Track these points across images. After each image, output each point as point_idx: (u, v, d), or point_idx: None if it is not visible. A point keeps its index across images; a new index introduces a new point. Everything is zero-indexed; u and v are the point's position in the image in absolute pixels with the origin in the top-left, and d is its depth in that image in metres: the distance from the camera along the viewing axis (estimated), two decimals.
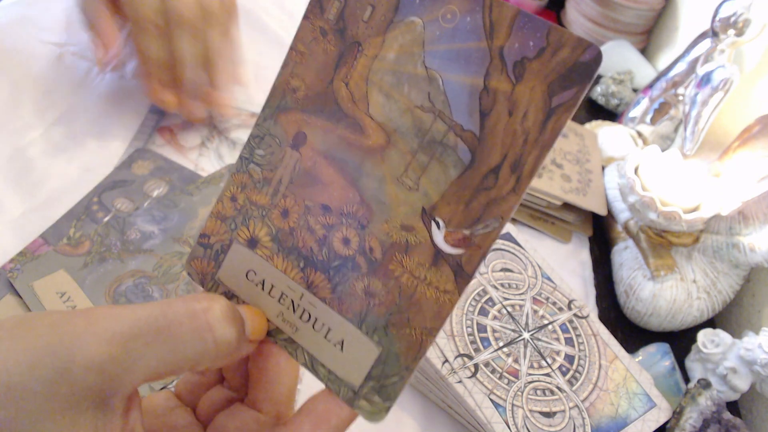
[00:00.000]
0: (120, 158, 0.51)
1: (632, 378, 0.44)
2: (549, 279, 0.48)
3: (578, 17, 0.91)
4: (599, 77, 0.86)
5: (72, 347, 0.19)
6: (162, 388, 0.38)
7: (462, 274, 0.22)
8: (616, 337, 0.47)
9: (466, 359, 0.40)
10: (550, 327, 0.45)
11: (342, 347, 0.24)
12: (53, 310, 0.20)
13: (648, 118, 0.72)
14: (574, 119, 0.77)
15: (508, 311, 0.44)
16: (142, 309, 0.21)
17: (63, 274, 0.42)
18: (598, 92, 0.82)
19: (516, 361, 0.42)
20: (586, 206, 0.59)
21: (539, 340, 0.44)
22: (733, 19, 0.59)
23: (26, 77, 0.54)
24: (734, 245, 0.51)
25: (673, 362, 0.49)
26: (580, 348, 0.44)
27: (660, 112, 0.71)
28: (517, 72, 0.20)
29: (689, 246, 0.52)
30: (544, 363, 0.42)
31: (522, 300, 0.46)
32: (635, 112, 0.74)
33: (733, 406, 0.51)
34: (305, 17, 0.24)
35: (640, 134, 0.71)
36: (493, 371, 0.40)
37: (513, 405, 0.39)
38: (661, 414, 0.43)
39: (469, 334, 0.42)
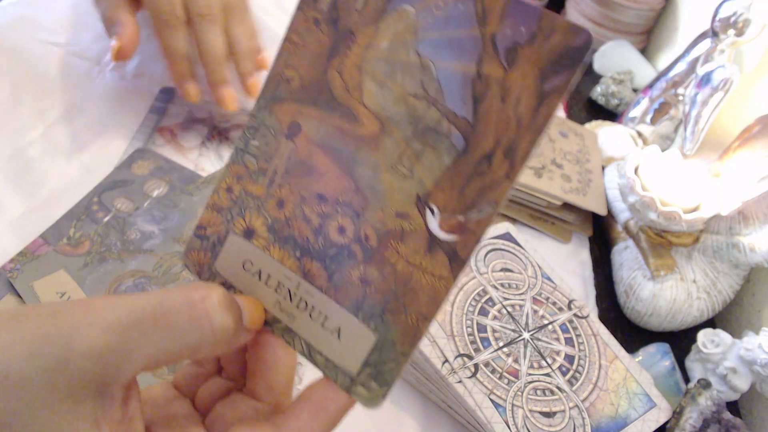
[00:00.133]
0: (120, 158, 0.51)
1: (632, 378, 0.44)
2: (549, 279, 0.48)
3: (578, 17, 0.91)
4: (599, 77, 0.86)
5: (70, 336, 0.19)
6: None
7: (457, 260, 0.22)
8: (616, 337, 0.47)
9: (466, 359, 0.40)
10: (550, 327, 0.45)
11: (339, 335, 0.24)
12: (51, 302, 0.20)
13: (648, 118, 0.72)
14: (575, 119, 0.77)
15: (508, 311, 0.44)
16: (139, 298, 0.21)
17: (63, 274, 0.42)
18: (598, 92, 0.82)
19: (516, 361, 0.42)
20: (586, 206, 0.59)
21: (539, 340, 0.44)
22: (733, 19, 0.59)
23: (26, 77, 0.54)
24: (734, 245, 0.51)
25: (673, 362, 0.49)
26: (580, 348, 0.44)
27: (660, 112, 0.71)
28: (509, 58, 0.21)
29: (689, 246, 0.52)
30: (544, 363, 0.42)
31: (522, 300, 0.46)
32: (635, 112, 0.74)
33: (733, 406, 0.51)
34: (298, 8, 0.24)
35: (640, 134, 0.71)
36: (493, 371, 0.40)
37: (513, 405, 0.39)
38: (661, 414, 0.43)
39: (469, 334, 0.42)
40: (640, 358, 0.49)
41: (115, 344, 0.20)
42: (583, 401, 0.41)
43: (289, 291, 0.25)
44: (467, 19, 0.21)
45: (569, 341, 0.44)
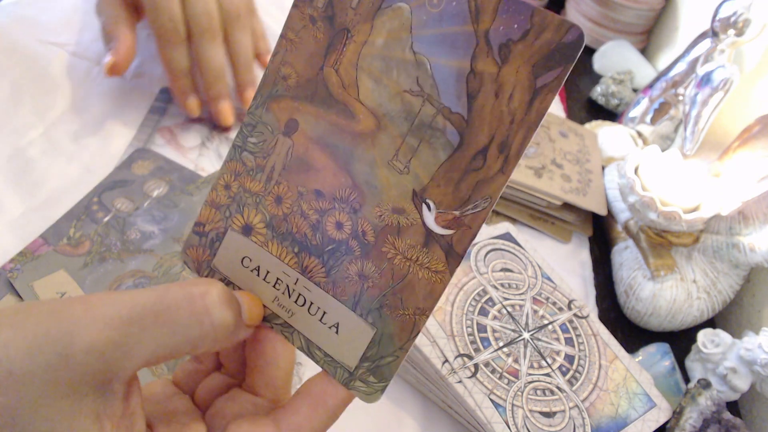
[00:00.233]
0: (120, 158, 0.51)
1: (632, 378, 0.44)
2: (549, 279, 0.48)
3: (578, 17, 0.91)
4: (599, 77, 0.86)
5: (71, 332, 0.19)
6: None
7: (453, 255, 0.22)
8: (616, 337, 0.47)
9: (466, 359, 0.40)
10: (550, 327, 0.45)
11: (337, 330, 0.24)
12: (52, 299, 0.20)
13: (648, 118, 0.72)
14: (575, 119, 0.77)
15: (508, 311, 0.44)
16: (140, 294, 0.21)
17: (63, 274, 0.42)
18: (598, 92, 0.82)
19: (516, 361, 0.42)
20: (586, 206, 0.59)
21: (539, 340, 0.44)
22: (733, 19, 0.59)
23: (26, 77, 0.54)
24: (734, 245, 0.51)
25: (673, 362, 0.49)
26: (580, 348, 0.44)
27: (660, 112, 0.71)
28: (503, 54, 0.21)
29: (689, 246, 0.52)
30: (544, 363, 0.42)
31: (522, 300, 0.46)
32: (635, 112, 0.74)
33: (733, 406, 0.51)
34: (294, 5, 0.25)
35: (640, 134, 0.71)
36: (493, 371, 0.40)
37: (513, 405, 0.39)
38: (661, 414, 0.43)
39: (469, 334, 0.42)
40: (640, 358, 0.49)
41: (116, 340, 0.20)
42: (583, 401, 0.41)
43: (288, 287, 0.25)
44: (461, 16, 0.21)
45: (569, 341, 0.44)
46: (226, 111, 0.54)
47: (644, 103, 0.73)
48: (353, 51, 0.23)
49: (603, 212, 0.59)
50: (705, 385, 0.44)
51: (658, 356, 0.49)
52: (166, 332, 0.21)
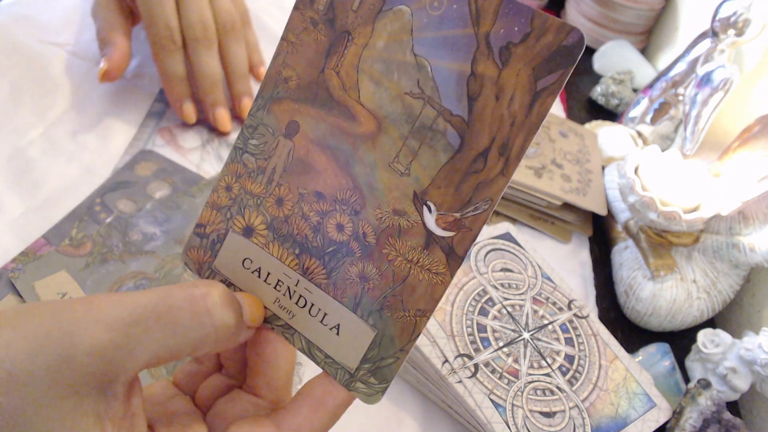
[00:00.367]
0: (120, 158, 0.51)
1: (632, 378, 0.44)
2: (549, 279, 0.48)
3: (578, 17, 0.91)
4: (599, 77, 0.86)
5: (73, 333, 0.19)
6: None
7: (453, 256, 0.22)
8: (616, 337, 0.47)
9: (466, 359, 0.40)
10: (550, 327, 0.45)
11: (338, 331, 0.24)
12: (53, 300, 0.20)
13: (648, 118, 0.72)
14: (575, 119, 0.77)
15: (508, 311, 0.44)
16: (141, 295, 0.21)
17: (64, 275, 0.42)
18: (598, 92, 0.82)
19: (516, 361, 0.42)
20: (586, 206, 0.59)
21: (539, 340, 0.44)
22: (733, 19, 0.59)
23: (26, 77, 0.54)
24: (734, 245, 0.51)
25: (673, 362, 0.49)
26: (580, 348, 0.44)
27: (660, 112, 0.71)
28: (503, 57, 0.21)
29: (689, 246, 0.52)
30: (544, 363, 0.42)
31: (522, 300, 0.46)
32: (635, 112, 0.74)
33: (733, 406, 0.51)
34: (295, 8, 0.25)
35: (640, 134, 0.71)
36: (493, 371, 0.40)
37: (513, 405, 0.39)
38: (661, 414, 0.43)
39: (469, 334, 0.42)
40: (640, 358, 0.49)
41: (118, 341, 0.20)
42: (583, 401, 0.41)
43: (289, 288, 0.25)
44: (462, 18, 0.21)
45: (569, 341, 0.44)
46: (224, 117, 0.54)
47: (644, 103, 0.73)
48: (354, 53, 0.23)
49: (603, 212, 0.59)
50: (705, 385, 0.44)
51: (658, 356, 0.49)
52: (167, 333, 0.21)
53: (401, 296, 0.23)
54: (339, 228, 0.24)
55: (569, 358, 0.43)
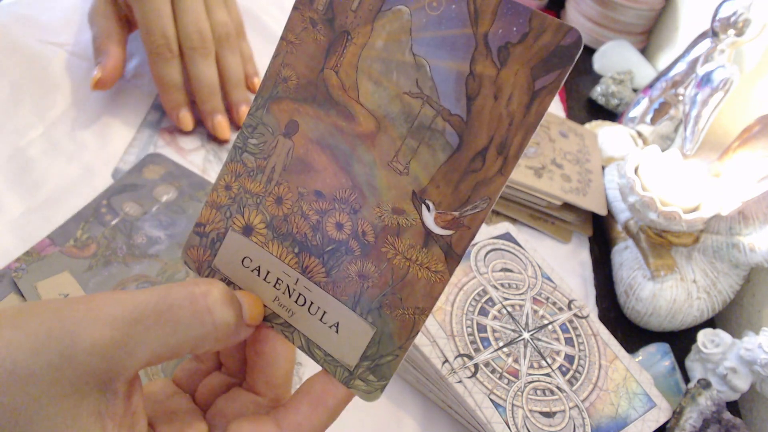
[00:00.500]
0: (120, 158, 0.51)
1: (632, 378, 0.44)
2: (549, 279, 0.48)
3: (578, 17, 0.91)
4: (599, 77, 0.86)
5: (74, 332, 0.19)
6: None
7: (452, 255, 0.23)
8: (616, 337, 0.47)
9: (466, 359, 0.40)
10: (550, 327, 0.45)
11: (337, 329, 0.25)
12: (54, 298, 0.20)
13: (648, 118, 0.72)
14: (575, 119, 0.77)
15: (508, 311, 0.44)
16: (142, 294, 0.21)
17: (67, 276, 0.42)
18: (598, 92, 0.82)
19: (516, 361, 0.42)
20: (586, 206, 0.59)
21: (539, 340, 0.44)
22: (733, 19, 0.59)
23: (26, 77, 0.54)
24: (734, 245, 0.51)
25: (673, 362, 0.49)
26: (580, 348, 0.44)
27: (660, 112, 0.71)
28: (502, 57, 0.21)
29: (689, 246, 0.52)
30: (544, 363, 0.42)
31: (522, 300, 0.46)
32: (635, 112, 0.74)
33: (733, 406, 0.51)
34: (295, 8, 0.25)
35: (640, 134, 0.71)
36: (493, 371, 0.40)
37: (513, 405, 0.39)
38: (661, 414, 0.43)
39: (469, 334, 0.42)
40: (640, 358, 0.49)
41: (119, 339, 0.20)
42: (583, 401, 0.41)
43: (288, 286, 0.25)
44: (460, 18, 0.22)
45: (569, 341, 0.44)
46: (223, 125, 0.54)
47: (644, 103, 0.73)
48: (353, 53, 0.23)
49: (603, 212, 0.59)
50: (705, 385, 0.44)
51: (658, 356, 0.49)
52: (168, 332, 0.21)
53: (400, 294, 0.23)
54: (338, 227, 0.24)
55: (569, 358, 0.43)
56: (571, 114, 0.79)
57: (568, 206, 0.60)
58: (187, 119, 0.54)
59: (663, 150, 0.57)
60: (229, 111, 0.56)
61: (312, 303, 0.25)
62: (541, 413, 0.39)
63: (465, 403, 0.39)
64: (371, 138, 0.23)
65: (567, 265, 0.58)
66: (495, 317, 0.44)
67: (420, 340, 0.40)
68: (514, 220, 0.60)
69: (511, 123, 0.21)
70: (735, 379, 0.47)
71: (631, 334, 0.55)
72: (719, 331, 0.49)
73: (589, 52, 0.90)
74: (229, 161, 0.26)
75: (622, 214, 0.57)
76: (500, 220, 0.58)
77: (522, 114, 0.21)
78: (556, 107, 0.78)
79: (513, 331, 0.43)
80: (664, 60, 0.87)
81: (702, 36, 0.67)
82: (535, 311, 0.45)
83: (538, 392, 0.40)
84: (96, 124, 0.53)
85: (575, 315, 0.46)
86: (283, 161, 0.25)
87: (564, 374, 0.42)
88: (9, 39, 0.55)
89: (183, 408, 0.26)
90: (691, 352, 0.52)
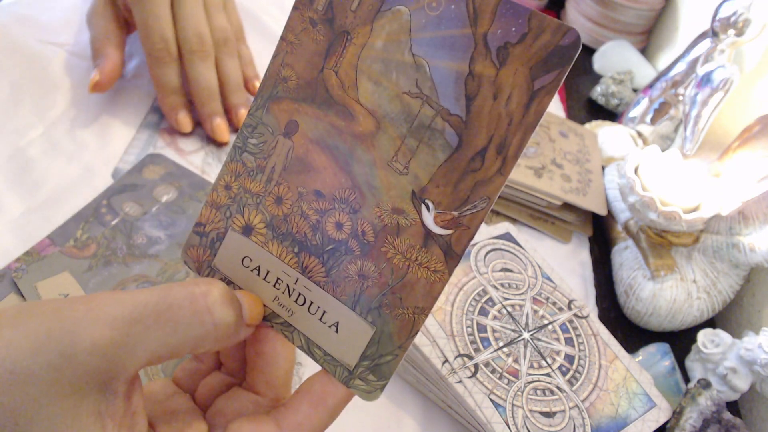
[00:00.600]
0: (120, 158, 0.51)
1: (632, 378, 0.44)
2: (549, 279, 0.48)
3: (578, 17, 0.91)
4: (599, 77, 0.86)
5: (74, 332, 0.19)
6: None
7: (451, 254, 0.23)
8: (616, 337, 0.47)
9: (466, 359, 0.40)
10: (550, 327, 0.45)
11: (337, 329, 0.25)
12: (54, 298, 0.20)
13: (648, 118, 0.72)
14: (575, 119, 0.77)
15: (508, 311, 0.44)
16: (142, 294, 0.21)
17: (67, 276, 0.42)
18: (598, 92, 0.82)
19: (516, 361, 0.42)
20: (586, 206, 0.59)
21: (539, 340, 0.44)
22: (733, 19, 0.59)
23: (26, 77, 0.54)
24: (734, 245, 0.51)
25: (673, 362, 0.49)
26: (580, 348, 0.44)
27: (660, 112, 0.71)
28: (501, 57, 0.21)
29: (689, 246, 0.52)
30: (544, 363, 0.42)
31: (522, 300, 0.46)
32: (635, 112, 0.74)
33: (733, 406, 0.51)
34: (295, 8, 0.25)
35: (640, 134, 0.71)
36: (493, 371, 0.40)
37: (513, 405, 0.39)
38: (661, 414, 0.43)
39: (469, 334, 0.42)
40: (640, 358, 0.49)
41: (119, 339, 0.20)
42: (583, 401, 0.41)
43: (288, 286, 0.25)
44: (459, 19, 0.22)
45: (569, 341, 0.44)
46: (221, 128, 0.54)
47: (644, 103, 0.73)
48: (353, 53, 0.24)
49: (603, 212, 0.59)
50: (705, 385, 0.44)
51: (658, 356, 0.49)
52: (167, 331, 0.21)
53: (400, 294, 0.23)
54: (338, 226, 0.24)
55: (569, 358, 0.43)
56: (571, 114, 0.79)
57: (568, 206, 0.60)
58: (185, 121, 0.54)
59: (663, 150, 0.57)
60: (228, 114, 0.56)
61: (312, 303, 0.25)
62: (541, 413, 0.39)
63: (465, 403, 0.39)
64: (371, 138, 0.23)
65: (567, 265, 0.58)
66: (495, 317, 0.44)
67: (420, 340, 0.40)
68: (514, 220, 0.60)
69: (510, 123, 0.21)
70: (735, 379, 0.47)
71: (631, 334, 0.55)
72: (719, 331, 0.49)
73: (589, 52, 0.90)
74: (229, 161, 0.26)
75: (622, 214, 0.57)
76: (500, 220, 0.58)
77: (521, 114, 0.21)
78: (556, 107, 0.78)
79: (513, 331, 0.43)
80: (664, 60, 0.87)
81: (702, 36, 0.67)
82: (535, 311, 0.45)
83: (538, 392, 0.40)
84: (96, 124, 0.53)
85: (575, 315, 0.46)
86: (282, 161, 0.25)
87: (564, 374, 0.42)
88: (9, 39, 0.55)
89: (183, 408, 0.26)
90: (691, 352, 0.52)
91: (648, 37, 0.92)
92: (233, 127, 0.56)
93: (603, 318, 0.55)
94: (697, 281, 0.52)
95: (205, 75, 0.52)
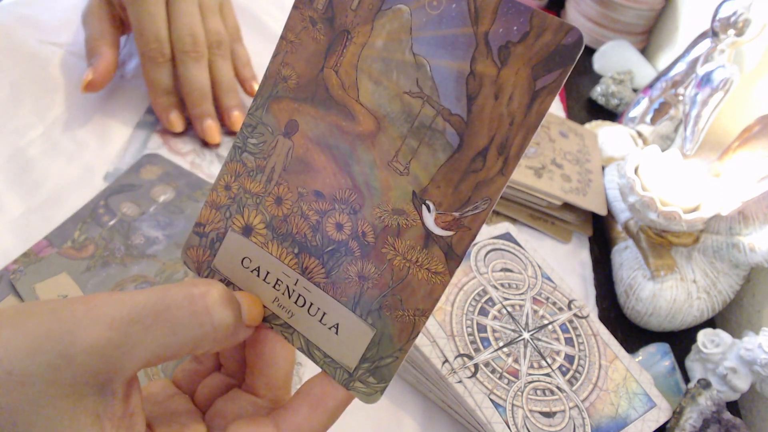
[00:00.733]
0: (120, 158, 0.51)
1: (632, 378, 0.44)
2: (549, 279, 0.48)
3: (578, 17, 0.91)
4: (599, 77, 0.86)
5: (72, 332, 0.19)
6: None
7: (452, 256, 0.22)
8: (616, 337, 0.47)
9: (466, 359, 0.40)
10: (550, 327, 0.45)
11: (337, 330, 0.25)
12: (52, 299, 0.20)
13: (648, 118, 0.72)
14: (575, 119, 0.77)
15: (508, 311, 0.44)
16: (140, 294, 0.21)
17: (65, 277, 0.41)
18: (598, 92, 0.82)
19: (516, 361, 0.42)
20: (586, 206, 0.59)
21: (539, 340, 0.44)
22: (733, 19, 0.59)
23: (26, 77, 0.54)
24: (734, 245, 0.51)
25: (673, 362, 0.49)
26: (580, 348, 0.44)
27: (660, 112, 0.71)
28: (502, 56, 0.21)
29: (689, 246, 0.52)
30: (544, 363, 0.42)
31: (522, 300, 0.46)
32: (635, 112, 0.74)
33: (733, 406, 0.51)
34: (295, 7, 0.25)
35: (640, 134, 0.71)
36: (493, 371, 0.40)
37: (513, 405, 0.39)
38: (661, 414, 0.43)
39: (469, 334, 0.42)
40: (640, 358, 0.49)
41: (117, 340, 0.20)
42: (583, 401, 0.41)
43: (288, 287, 0.25)
44: (460, 18, 0.21)
45: (569, 341, 0.44)
46: (212, 129, 0.54)
47: (644, 103, 0.73)
48: (353, 52, 0.23)
49: (603, 212, 0.59)
50: (705, 385, 0.44)
51: (658, 356, 0.49)
52: (166, 332, 0.21)
53: (400, 295, 0.23)
54: (338, 227, 0.24)
55: (569, 358, 0.43)
56: (571, 114, 0.79)
57: (568, 206, 0.60)
58: (177, 121, 0.54)
59: (663, 150, 0.57)
60: (221, 116, 0.55)
61: (312, 304, 0.25)
62: (541, 413, 0.39)
63: (465, 403, 0.39)
64: (371, 138, 0.23)
65: (567, 265, 0.58)
66: (495, 317, 0.44)
67: (420, 340, 0.40)
68: (514, 220, 0.60)
69: (511, 123, 0.21)
70: (735, 379, 0.47)
71: (631, 334, 0.55)
72: (719, 331, 0.49)
73: (589, 52, 0.90)
74: (229, 161, 0.26)
75: (622, 214, 0.57)
76: (500, 220, 0.58)
77: (523, 114, 0.21)
78: (556, 107, 0.78)
79: (513, 331, 0.43)
80: (664, 60, 0.87)
81: (702, 36, 0.67)
82: (535, 311, 0.45)
83: (538, 392, 0.40)
84: (96, 123, 0.53)
85: (575, 315, 0.46)
86: (282, 161, 0.25)
87: (564, 374, 0.42)
88: (9, 39, 0.55)
89: (182, 409, 0.26)
90: (691, 352, 0.52)
91: (648, 37, 0.92)
92: (225, 129, 0.56)
93: (603, 318, 0.55)
94: (697, 281, 0.52)
95: (197, 76, 0.52)
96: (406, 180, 0.23)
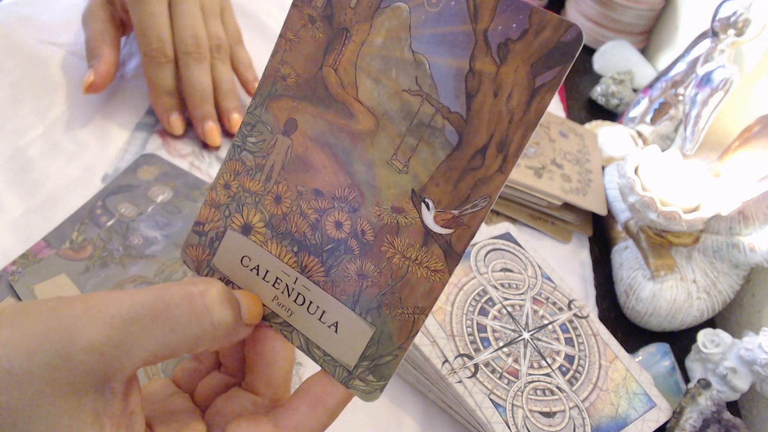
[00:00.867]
0: (120, 158, 0.51)
1: (632, 378, 0.44)
2: (549, 279, 0.48)
3: (578, 17, 0.91)
4: (599, 77, 0.86)
5: (71, 331, 0.19)
6: None
7: (452, 254, 0.22)
8: (616, 337, 0.47)
9: (466, 359, 0.40)
10: (550, 327, 0.45)
11: (336, 329, 0.24)
12: (51, 298, 0.20)
13: (648, 118, 0.72)
14: (575, 119, 0.77)
15: (508, 311, 0.44)
16: (139, 293, 0.21)
17: (64, 278, 0.41)
18: (598, 92, 0.82)
19: (516, 361, 0.42)
20: (586, 206, 0.59)
21: (539, 340, 0.44)
22: (733, 19, 0.59)
23: (26, 77, 0.54)
24: (734, 245, 0.51)
25: (673, 362, 0.49)
26: (580, 348, 0.44)
27: (660, 112, 0.71)
28: (501, 54, 0.21)
29: (689, 246, 0.52)
30: (544, 363, 0.42)
31: (522, 300, 0.46)
32: (635, 112, 0.74)
33: (733, 406, 0.51)
34: (294, 5, 0.25)
35: (640, 134, 0.71)
36: (493, 371, 0.40)
37: (513, 405, 0.39)
38: (661, 414, 0.43)
39: (469, 334, 0.42)
40: (640, 358, 0.49)
41: (116, 339, 0.20)
42: (583, 401, 0.41)
43: (287, 286, 0.25)
44: (459, 15, 0.21)
45: (569, 341, 0.44)
46: (213, 131, 0.54)
47: (644, 103, 0.73)
48: (352, 50, 0.23)
49: (603, 212, 0.59)
50: (705, 385, 0.44)
51: (658, 356, 0.49)
52: (165, 331, 0.21)
53: (399, 294, 0.23)
54: (337, 225, 0.24)
55: (569, 358, 0.43)
56: (571, 114, 0.79)
57: (568, 206, 0.60)
58: (177, 123, 0.54)
59: (663, 150, 0.57)
60: (220, 118, 0.55)
61: (311, 302, 0.25)
62: (541, 413, 0.39)
63: (465, 403, 0.39)
64: (370, 136, 0.23)
65: (567, 265, 0.58)
66: (495, 317, 0.44)
67: (420, 340, 0.40)
68: (514, 220, 0.60)
69: (511, 120, 0.21)
70: (735, 379, 0.47)
71: (631, 334, 0.55)
72: (719, 331, 0.49)
73: (589, 52, 0.90)
74: (228, 159, 0.26)
75: (622, 214, 0.57)
76: (500, 220, 0.58)
77: (522, 111, 0.21)
78: (556, 107, 0.78)
79: (513, 331, 0.43)
80: (664, 60, 0.87)
81: (702, 36, 0.67)
82: (535, 311, 0.45)
83: (538, 392, 0.40)
84: (96, 124, 0.53)
85: (575, 315, 0.46)
86: (282, 160, 0.25)
87: (564, 374, 0.42)
88: (9, 39, 0.55)
89: (181, 408, 0.26)
90: (691, 352, 0.52)
91: (648, 37, 0.92)
92: (225, 132, 0.56)
93: (603, 318, 0.55)
94: (697, 281, 0.52)
95: (199, 77, 0.52)
96: (405, 178, 0.23)
